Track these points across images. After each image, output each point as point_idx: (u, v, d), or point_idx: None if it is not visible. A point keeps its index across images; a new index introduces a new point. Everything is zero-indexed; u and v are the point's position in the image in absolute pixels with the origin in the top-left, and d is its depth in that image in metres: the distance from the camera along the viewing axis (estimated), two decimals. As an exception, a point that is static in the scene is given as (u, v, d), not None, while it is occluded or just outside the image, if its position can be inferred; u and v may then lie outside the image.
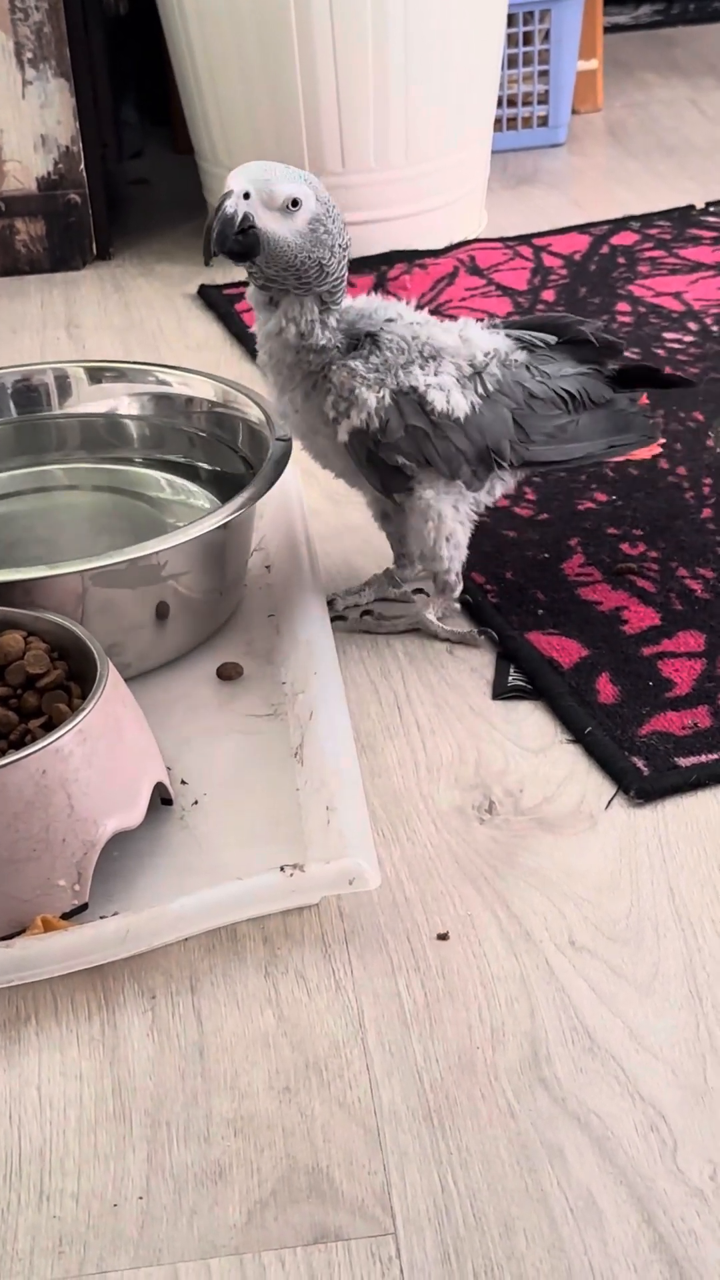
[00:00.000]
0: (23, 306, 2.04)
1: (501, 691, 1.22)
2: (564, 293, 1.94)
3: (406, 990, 0.95)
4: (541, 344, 1.25)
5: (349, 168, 2.00)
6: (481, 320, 1.27)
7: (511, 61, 2.40)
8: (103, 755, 1.02)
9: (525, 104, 2.48)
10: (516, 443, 1.22)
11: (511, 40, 2.38)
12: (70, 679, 1.10)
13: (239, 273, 2.07)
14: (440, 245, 2.09)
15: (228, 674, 1.24)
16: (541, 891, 1.02)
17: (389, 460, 1.20)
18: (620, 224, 2.15)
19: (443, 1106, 0.87)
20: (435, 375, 1.18)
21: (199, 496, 1.40)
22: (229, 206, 1.11)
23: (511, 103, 2.47)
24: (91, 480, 1.43)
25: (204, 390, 1.42)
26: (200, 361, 1.77)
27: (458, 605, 1.30)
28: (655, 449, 1.34)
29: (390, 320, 1.20)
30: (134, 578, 1.19)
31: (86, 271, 2.15)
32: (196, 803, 1.11)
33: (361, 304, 1.21)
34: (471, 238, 2.13)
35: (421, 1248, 0.79)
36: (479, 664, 1.25)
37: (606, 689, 1.19)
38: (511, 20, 2.36)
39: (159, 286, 2.08)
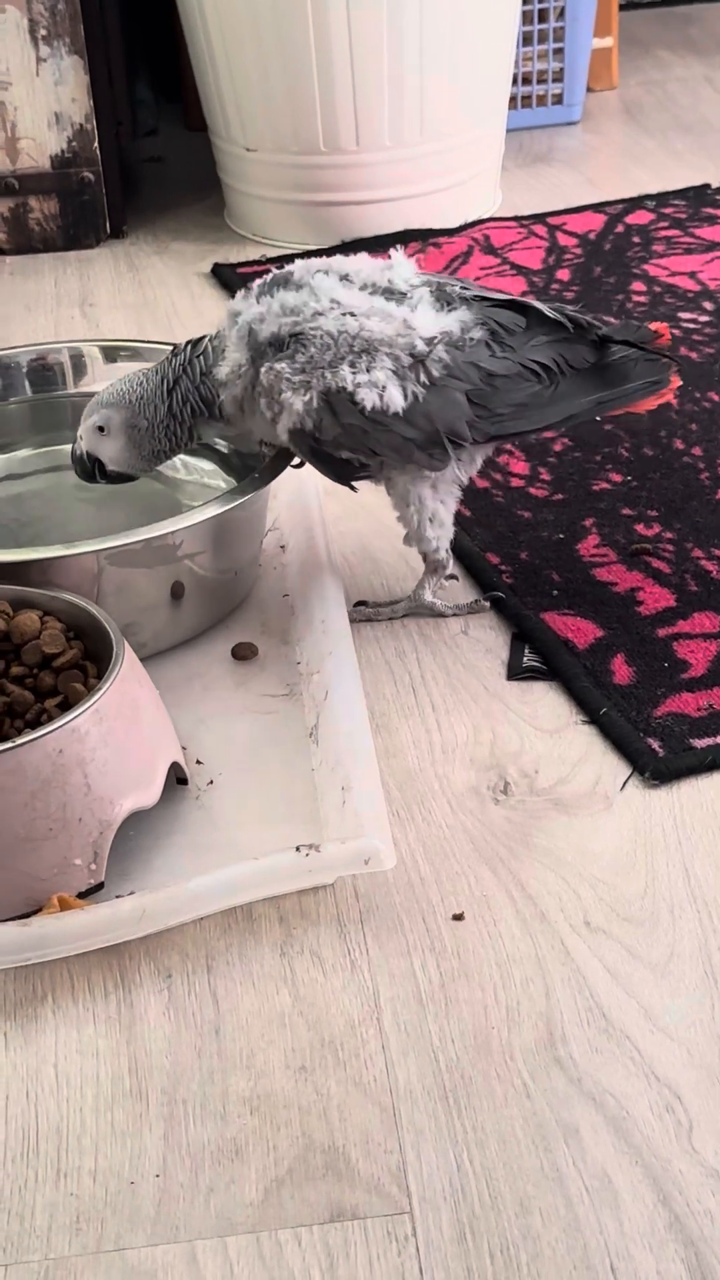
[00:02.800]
0: (37, 285, 2.04)
1: (516, 672, 1.22)
2: (579, 272, 1.93)
3: (422, 970, 0.95)
4: (509, 327, 1.19)
5: (363, 146, 2.00)
6: (447, 287, 1.20)
7: (526, 39, 2.39)
8: (119, 735, 1.02)
9: (540, 82, 2.47)
10: (477, 421, 1.18)
11: (526, 18, 2.37)
12: (86, 658, 1.10)
13: (252, 251, 2.07)
14: (454, 224, 2.08)
15: (243, 654, 1.24)
16: (557, 872, 1.02)
17: (334, 455, 1.19)
18: (635, 203, 2.14)
19: (458, 1086, 0.87)
20: (367, 372, 1.14)
21: (214, 476, 1.40)
22: (75, 449, 1.25)
23: (526, 80, 2.46)
24: (107, 459, 1.43)
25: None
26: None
27: (445, 583, 1.30)
28: (669, 395, 1.24)
29: (319, 314, 1.16)
30: (149, 557, 1.19)
31: (100, 250, 2.15)
32: (212, 782, 1.11)
33: (292, 299, 1.17)
34: (486, 216, 2.13)
35: (437, 1226, 0.79)
36: (494, 645, 1.25)
37: (622, 670, 1.19)
38: (527, -3, 2.34)
39: (173, 265, 2.08)
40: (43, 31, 2.01)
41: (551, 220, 2.10)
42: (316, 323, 1.16)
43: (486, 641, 1.26)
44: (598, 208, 2.13)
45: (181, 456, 1.42)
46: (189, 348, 1.22)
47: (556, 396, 1.20)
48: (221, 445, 1.42)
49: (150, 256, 2.11)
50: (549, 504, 1.43)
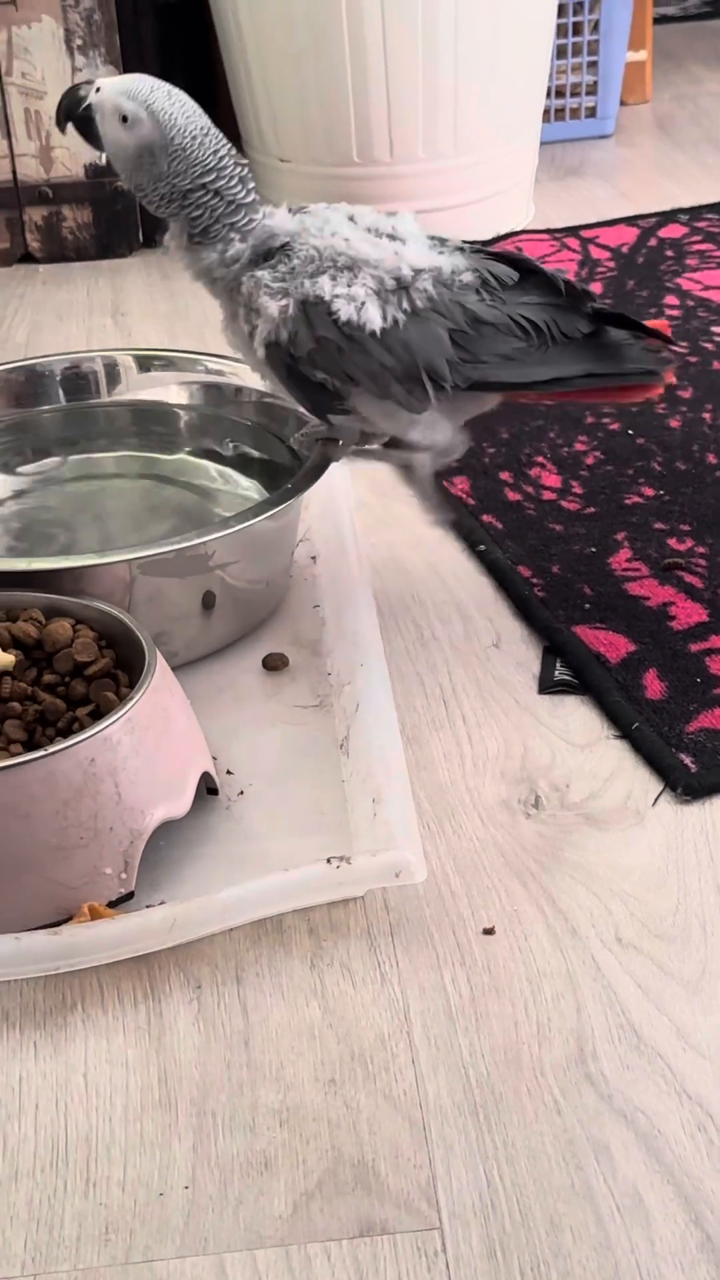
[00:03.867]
0: (69, 294, 2.05)
1: (548, 686, 1.21)
2: (611, 285, 1.93)
3: (452, 984, 0.95)
4: (501, 280, 1.17)
5: (397, 158, 2.00)
6: (443, 242, 1.19)
7: (560, 52, 2.39)
8: (150, 744, 1.02)
9: (574, 95, 2.47)
10: (459, 363, 1.15)
11: (561, 31, 2.37)
12: (118, 667, 1.10)
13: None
14: (487, 236, 2.08)
15: (274, 664, 1.24)
16: (588, 887, 1.02)
17: (310, 376, 1.17)
18: (668, 216, 2.13)
19: (488, 1101, 0.87)
20: (348, 286, 1.13)
21: (246, 487, 1.40)
22: (82, 89, 1.16)
23: (560, 93, 2.46)
24: (139, 469, 1.43)
25: (253, 380, 1.41)
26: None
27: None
28: (659, 390, 1.22)
29: (310, 231, 1.16)
30: (182, 567, 1.19)
31: (133, 259, 2.16)
32: (242, 793, 1.11)
33: (296, 225, 1.16)
34: (519, 229, 2.13)
35: (467, 1242, 0.79)
36: (525, 658, 1.25)
37: (654, 685, 1.19)
38: (561, 10, 2.34)
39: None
40: (78, 41, 2.02)
41: (584, 233, 2.10)
42: (305, 238, 1.15)
43: (518, 655, 1.26)
44: (630, 221, 2.13)
45: (217, 466, 1.42)
46: (246, 173, 1.17)
47: (545, 358, 1.18)
48: (254, 453, 1.42)
49: (182, 266, 2.11)
50: (581, 517, 1.43)
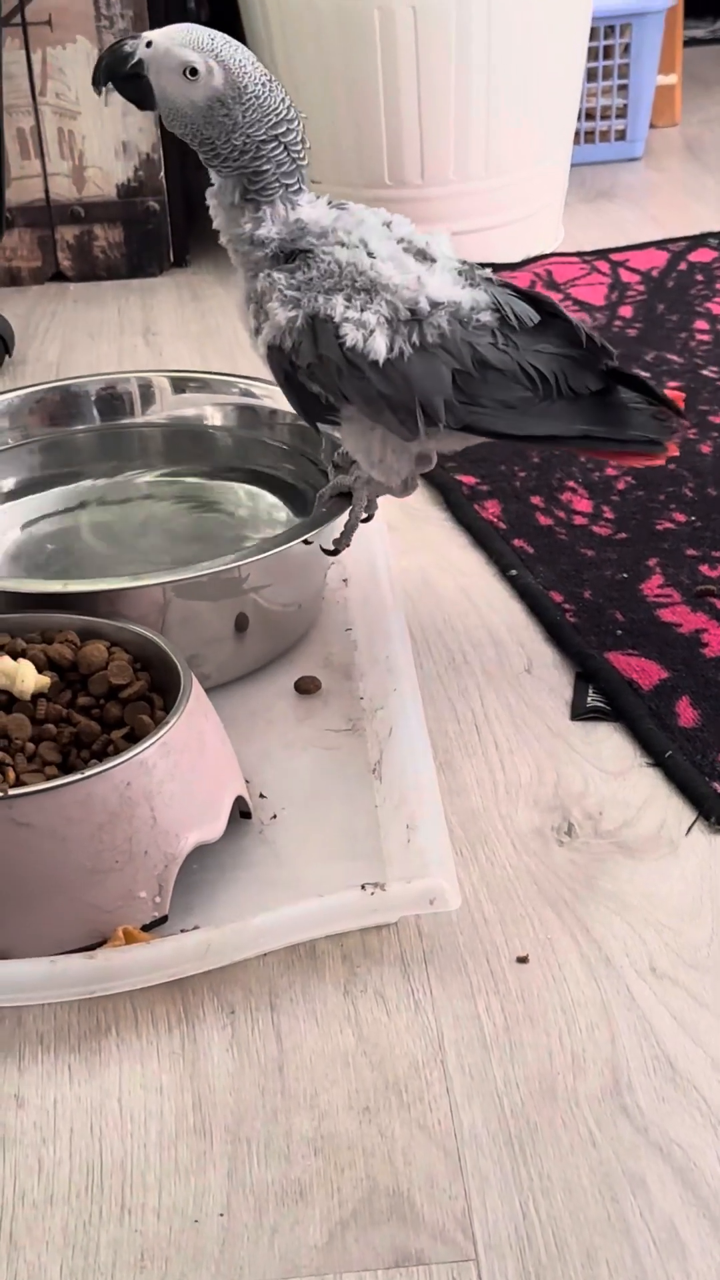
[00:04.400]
0: (100, 313, 2.05)
1: (580, 712, 1.21)
2: (641, 309, 1.93)
3: (486, 1013, 0.95)
4: (522, 320, 1.15)
5: (428, 180, 2.01)
6: (476, 269, 1.18)
7: (591, 75, 2.39)
8: (185, 768, 1.03)
9: (603, 118, 2.48)
10: (456, 404, 1.13)
11: (591, 54, 2.38)
12: (152, 690, 1.10)
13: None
14: (517, 259, 2.09)
15: (306, 688, 1.24)
16: (622, 916, 1.01)
17: (306, 386, 1.16)
18: (698, 240, 2.14)
19: (524, 1132, 0.86)
20: (360, 311, 1.11)
21: (279, 509, 1.40)
22: (128, 45, 1.11)
23: (590, 116, 2.46)
24: (172, 491, 1.44)
25: (288, 404, 1.42)
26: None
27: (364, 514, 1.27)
28: (661, 460, 1.20)
29: (342, 243, 1.13)
30: (216, 590, 1.19)
31: (163, 278, 2.16)
32: (275, 817, 1.11)
33: (330, 220, 1.14)
34: (549, 252, 2.13)
35: (503, 1274, 0.79)
36: (557, 684, 1.25)
37: (687, 712, 1.19)
38: (592, 34, 2.35)
39: (235, 294, 2.08)
40: (112, 62, 2.02)
41: (614, 256, 2.10)
42: (331, 248, 1.14)
43: (550, 680, 1.26)
44: (660, 245, 2.13)
45: (248, 488, 1.43)
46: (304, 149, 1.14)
47: (546, 412, 1.16)
48: (286, 477, 1.42)
49: (213, 286, 2.13)
50: (612, 543, 1.43)
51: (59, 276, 2.15)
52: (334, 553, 1.25)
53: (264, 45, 2.03)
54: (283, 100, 1.13)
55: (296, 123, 1.14)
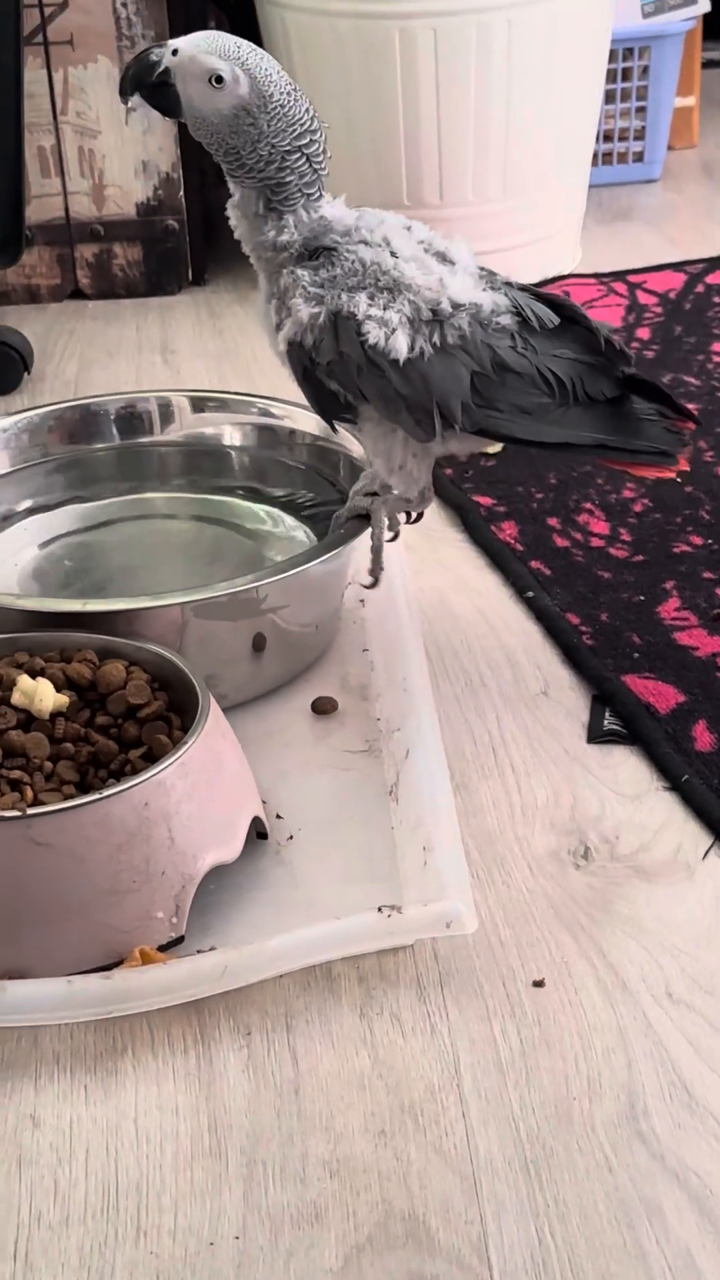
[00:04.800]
0: (119, 330, 2.06)
1: (597, 735, 1.21)
2: (659, 331, 1.93)
3: (502, 1037, 0.94)
4: (543, 321, 1.16)
5: (447, 200, 2.01)
6: (495, 275, 1.19)
7: (609, 97, 2.40)
8: (203, 789, 1.03)
9: (621, 139, 2.48)
10: (473, 406, 1.14)
11: (610, 76, 2.38)
12: (170, 710, 1.11)
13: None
14: (535, 279, 2.09)
15: (323, 708, 1.25)
16: (638, 941, 1.01)
17: (325, 383, 1.16)
18: (716, 263, 2.14)
19: (540, 1157, 0.86)
20: (383, 309, 1.12)
21: (297, 530, 1.40)
22: (153, 54, 1.11)
23: (608, 137, 2.47)
24: (191, 510, 1.44)
25: (307, 423, 1.42)
26: (294, 390, 1.77)
27: (401, 520, 1.27)
28: (672, 472, 1.20)
29: (364, 243, 1.14)
30: (234, 610, 1.20)
31: (181, 296, 2.17)
32: (291, 838, 1.11)
33: (353, 220, 1.15)
34: (566, 273, 2.13)
35: (519, 1301, 0.79)
36: (574, 706, 1.25)
37: (704, 736, 1.19)
38: (611, 56, 2.35)
39: (253, 313, 2.09)
40: (133, 82, 2.03)
41: (631, 278, 2.11)
42: (356, 248, 1.14)
43: (567, 703, 1.26)
44: (677, 266, 2.14)
45: (267, 508, 1.43)
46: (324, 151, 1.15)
47: (561, 419, 1.16)
48: (306, 495, 1.42)
49: (231, 304, 2.13)
50: (629, 565, 1.43)
51: (77, 294, 2.16)
52: (374, 584, 1.25)
53: (284, 64, 2.02)
54: (306, 110, 1.13)
55: (319, 133, 1.14)
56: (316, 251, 1.15)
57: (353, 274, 1.13)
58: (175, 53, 1.11)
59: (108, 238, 2.12)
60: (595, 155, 2.44)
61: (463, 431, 1.17)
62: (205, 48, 1.11)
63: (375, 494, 1.24)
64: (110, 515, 1.44)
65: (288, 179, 1.13)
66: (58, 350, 2.00)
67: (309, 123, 1.13)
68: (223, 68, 1.10)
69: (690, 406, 1.70)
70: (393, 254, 1.14)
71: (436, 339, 1.13)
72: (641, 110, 2.45)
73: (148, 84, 1.11)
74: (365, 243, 1.14)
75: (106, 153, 2.07)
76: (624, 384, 1.18)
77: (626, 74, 2.42)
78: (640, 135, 2.48)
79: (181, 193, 2.11)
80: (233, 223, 1.18)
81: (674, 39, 2.41)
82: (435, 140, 1.96)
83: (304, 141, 1.13)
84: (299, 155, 1.13)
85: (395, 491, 1.22)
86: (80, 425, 1.48)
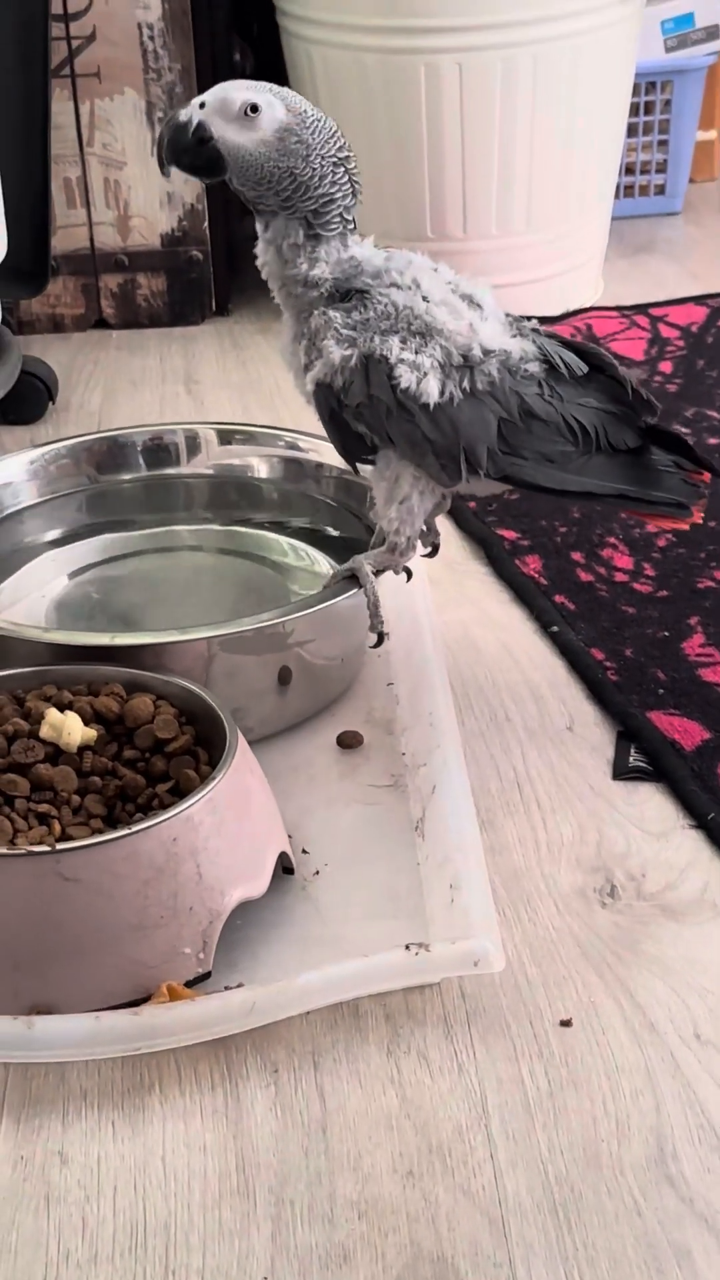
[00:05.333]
0: (142, 360, 2.07)
1: (622, 772, 1.21)
2: (681, 364, 1.94)
3: (530, 1077, 0.94)
4: (571, 369, 1.17)
5: (470, 233, 2.02)
6: (522, 320, 1.19)
7: (631, 130, 2.41)
8: (231, 824, 1.03)
9: (643, 172, 2.49)
10: (498, 453, 1.14)
11: (632, 109, 2.39)
12: (197, 744, 1.11)
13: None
14: (557, 312, 2.10)
15: (348, 743, 1.25)
16: (665, 981, 1.01)
17: (351, 425, 1.16)
18: (738, 296, 2.15)
19: (568, 1200, 0.86)
20: (415, 354, 1.12)
21: (322, 563, 1.41)
22: (181, 114, 1.11)
23: (629, 170, 2.48)
24: (217, 542, 1.45)
25: (333, 457, 1.42)
26: (319, 424, 1.78)
27: (401, 572, 1.26)
28: (685, 524, 1.20)
29: (396, 285, 1.14)
30: (261, 644, 1.20)
31: (205, 326, 2.18)
32: (318, 873, 1.11)
33: (382, 261, 1.16)
34: (588, 306, 2.14)
35: (548, 1346, 0.78)
36: (599, 742, 1.25)
37: (729, 775, 1.19)
38: (633, 90, 2.36)
39: (275, 344, 2.09)
40: (159, 113, 2.05)
41: (654, 311, 2.11)
42: (389, 291, 1.14)
43: (592, 739, 1.26)
44: (699, 300, 2.14)
45: (291, 541, 1.43)
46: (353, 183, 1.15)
47: (583, 468, 1.16)
48: (332, 528, 1.43)
49: (254, 335, 2.14)
50: (653, 600, 1.43)
51: (102, 324, 2.17)
52: (378, 643, 1.24)
53: (309, 97, 2.02)
54: (334, 130, 1.14)
55: (349, 149, 1.15)
56: (348, 294, 1.15)
57: (385, 317, 1.13)
58: (203, 105, 1.11)
59: (132, 268, 2.13)
60: (616, 188, 2.44)
61: (486, 478, 1.17)
62: (230, 88, 1.12)
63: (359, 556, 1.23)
64: (137, 547, 1.44)
65: (335, 195, 1.13)
66: (82, 380, 2.01)
67: (341, 137, 1.14)
68: (255, 96, 1.11)
69: (712, 441, 1.71)
70: (424, 298, 1.14)
71: (466, 384, 1.14)
72: (663, 144, 2.46)
73: (185, 145, 1.11)
74: (396, 285, 1.15)
75: (132, 184, 2.09)
76: (645, 434, 1.19)
77: (649, 107, 2.43)
78: (662, 168, 2.49)
79: (206, 224, 2.12)
80: (261, 260, 1.18)
81: (696, 73, 2.42)
82: (459, 173, 1.97)
83: (344, 155, 1.13)
84: (341, 169, 1.13)
85: (389, 527, 1.21)
86: (108, 456, 1.49)
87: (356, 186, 1.15)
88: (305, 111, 1.12)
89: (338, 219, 1.14)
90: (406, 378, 1.12)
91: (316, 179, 1.12)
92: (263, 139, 1.11)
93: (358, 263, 1.16)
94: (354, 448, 1.19)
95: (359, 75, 1.94)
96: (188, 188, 2.10)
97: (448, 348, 1.14)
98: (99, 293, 2.15)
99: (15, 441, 1.83)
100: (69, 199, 2.08)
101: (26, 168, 1.87)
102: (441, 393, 1.13)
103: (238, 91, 1.11)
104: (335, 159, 1.13)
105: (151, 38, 2.02)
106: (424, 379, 1.12)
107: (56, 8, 1.96)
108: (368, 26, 1.91)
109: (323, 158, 1.12)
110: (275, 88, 1.13)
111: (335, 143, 1.13)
